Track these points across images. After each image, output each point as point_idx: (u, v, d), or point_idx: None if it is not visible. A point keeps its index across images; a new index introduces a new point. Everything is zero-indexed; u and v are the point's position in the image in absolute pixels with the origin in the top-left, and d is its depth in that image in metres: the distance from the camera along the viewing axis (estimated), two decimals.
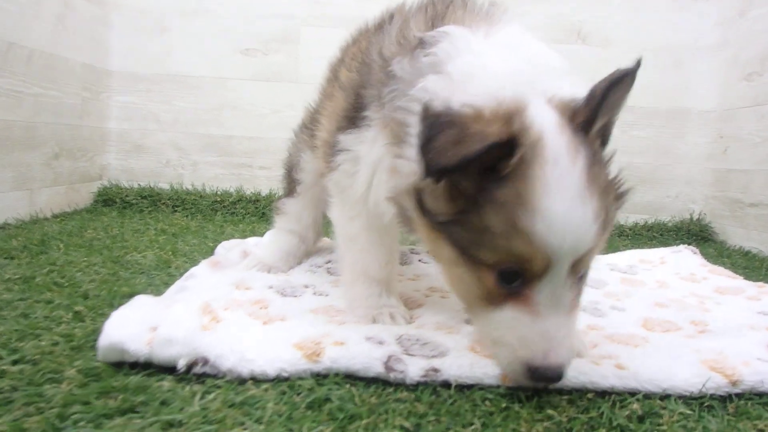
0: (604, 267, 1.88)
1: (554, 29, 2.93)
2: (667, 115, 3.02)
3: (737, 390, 0.97)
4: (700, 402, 0.94)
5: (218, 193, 2.92)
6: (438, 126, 0.82)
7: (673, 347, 1.08)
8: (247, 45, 2.99)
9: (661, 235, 2.91)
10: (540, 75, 0.94)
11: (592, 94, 0.87)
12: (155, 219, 2.53)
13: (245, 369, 0.94)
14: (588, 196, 0.81)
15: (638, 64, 0.86)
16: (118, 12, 2.92)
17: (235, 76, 3.00)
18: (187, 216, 2.69)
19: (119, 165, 2.98)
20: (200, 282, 1.35)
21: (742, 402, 0.95)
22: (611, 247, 2.49)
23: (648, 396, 0.94)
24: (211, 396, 0.87)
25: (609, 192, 0.88)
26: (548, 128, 0.84)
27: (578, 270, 0.86)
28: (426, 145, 0.82)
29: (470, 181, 0.85)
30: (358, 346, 0.99)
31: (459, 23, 1.05)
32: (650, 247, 2.58)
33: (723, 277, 1.77)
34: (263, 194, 2.92)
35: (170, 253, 1.83)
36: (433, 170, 0.82)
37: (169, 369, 0.94)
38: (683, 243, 2.73)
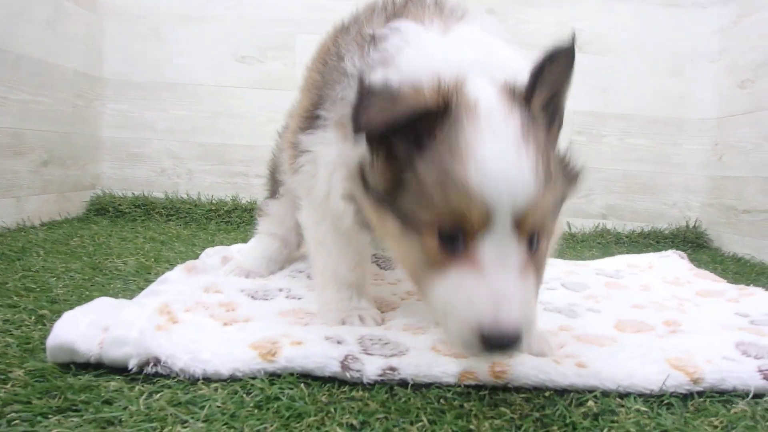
0: (590, 272, 1.86)
1: (552, 38, 2.92)
2: (665, 123, 3.00)
3: (699, 388, 0.95)
4: (660, 400, 0.92)
5: (213, 201, 2.92)
6: (371, 93, 0.82)
7: (639, 346, 1.06)
8: (244, 52, 3.01)
9: (657, 242, 2.88)
10: (487, 62, 0.93)
11: (532, 69, 0.86)
12: (147, 228, 2.53)
13: (198, 369, 0.93)
14: (523, 145, 0.80)
15: (573, 40, 0.84)
16: (113, 18, 2.93)
17: (231, 84, 3.01)
18: (180, 225, 2.70)
19: (113, 173, 3.00)
20: (172, 286, 1.35)
21: (702, 399, 0.93)
22: (605, 254, 2.47)
23: (606, 394, 0.93)
24: (158, 395, 0.86)
25: (549, 153, 0.86)
26: (484, 95, 0.85)
27: (525, 229, 0.81)
28: (358, 108, 0.82)
29: (404, 144, 0.84)
30: (315, 346, 0.98)
31: (415, 20, 1.05)
32: (651, 248, 2.58)
33: (707, 281, 1.74)
34: (259, 202, 2.92)
35: (153, 259, 1.83)
36: (363, 128, 0.83)
37: (120, 370, 0.93)
38: (680, 249, 2.71)
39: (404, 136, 0.84)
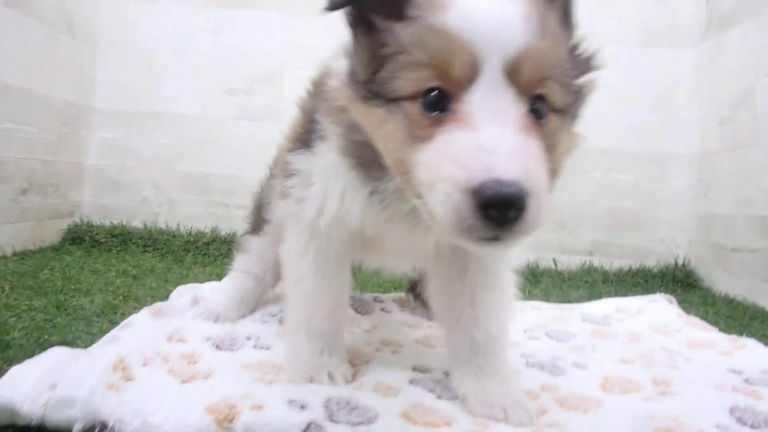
0: (577, 317, 1.79)
1: None
2: (649, 158, 2.98)
3: None
4: None
5: (192, 233, 2.85)
6: None
7: (626, 412, 0.99)
8: (232, 84, 3.00)
9: (645, 281, 2.82)
10: None
11: None
12: (121, 259, 2.45)
13: None
14: None
15: None
16: (107, 49, 2.94)
17: (218, 115, 2.99)
18: (156, 257, 2.62)
19: (93, 202, 2.93)
20: (134, 332, 1.27)
21: None
22: (592, 295, 2.42)
23: None
24: None
25: (551, 14, 0.77)
26: None
27: (521, 80, 0.71)
28: None
29: (382, 15, 0.78)
30: (276, 410, 0.91)
31: None
32: (634, 294, 2.52)
33: (697, 329, 1.68)
34: (239, 234, 2.86)
35: (121, 297, 1.76)
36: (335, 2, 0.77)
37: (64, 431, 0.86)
38: (669, 290, 2.66)
39: (382, 7, 0.78)
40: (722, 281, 2.65)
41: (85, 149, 2.90)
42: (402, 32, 0.75)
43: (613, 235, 3.00)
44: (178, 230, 2.86)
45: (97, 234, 2.73)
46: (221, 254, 2.74)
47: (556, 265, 2.91)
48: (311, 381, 1.08)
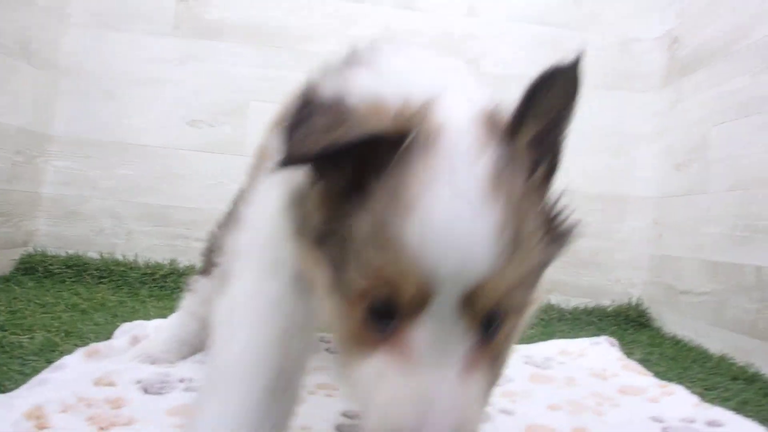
0: (519, 360, 1.83)
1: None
2: (609, 199, 3.06)
3: None
4: None
5: (150, 264, 2.84)
6: (312, 110, 0.65)
7: None
8: (195, 116, 3.01)
9: (600, 320, 2.87)
10: (470, 84, 0.83)
11: (520, 98, 0.68)
12: (73, 291, 2.43)
13: None
14: (488, 200, 0.62)
15: (579, 57, 0.66)
16: (67, 76, 2.92)
17: (179, 146, 2.99)
18: (111, 288, 2.60)
19: (49, 231, 2.90)
20: (64, 375, 1.27)
21: None
22: (545, 333, 2.46)
23: None
24: None
25: (528, 207, 0.67)
26: (455, 120, 0.68)
27: (477, 310, 0.64)
28: (291, 130, 0.64)
29: (346, 176, 0.67)
30: None
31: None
32: (588, 333, 2.57)
33: (633, 374, 1.73)
34: (197, 267, 2.85)
35: (63, 334, 1.74)
36: (293, 158, 0.63)
37: None
38: (621, 329, 2.74)
39: (348, 166, 0.67)
40: (672, 322, 2.72)
41: (41, 178, 2.88)
42: (358, 216, 0.66)
43: (571, 274, 3.05)
44: (135, 262, 2.84)
45: (50, 264, 2.69)
46: (178, 287, 2.70)
47: None
48: None
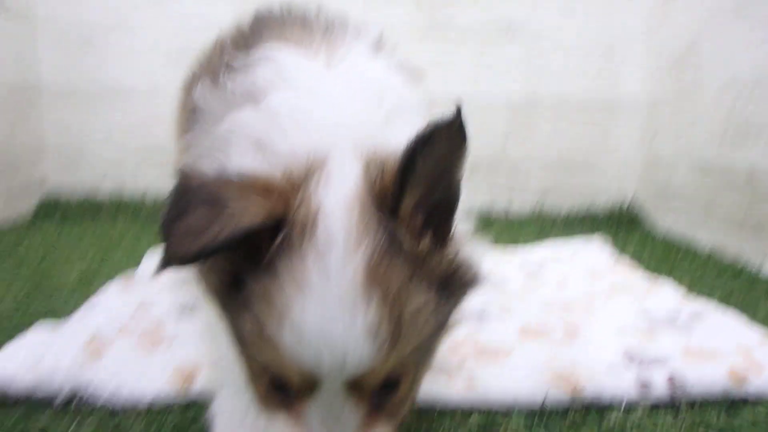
0: (516, 264, 1.97)
1: (485, 29, 3.00)
2: (599, 105, 3.10)
3: (578, 402, 1.05)
4: (542, 414, 1.03)
5: (157, 201, 2.95)
6: (186, 203, 0.63)
7: (531, 360, 1.17)
8: (177, 56, 2.99)
9: (592, 223, 3.00)
10: (375, 120, 0.78)
11: (401, 156, 0.65)
12: (92, 231, 2.57)
13: (122, 397, 1.01)
14: (363, 301, 0.62)
15: (458, 112, 0.62)
16: (45, 27, 2.93)
17: (165, 88, 3.00)
18: (126, 224, 2.74)
19: (59, 177, 3.00)
20: (106, 305, 1.41)
21: (580, 413, 1.03)
22: (539, 238, 2.60)
23: (492, 410, 1.03)
24: (88, 422, 0.95)
25: (410, 293, 0.66)
26: (331, 204, 0.66)
27: (365, 388, 0.66)
28: (168, 226, 0.63)
29: (226, 268, 0.69)
30: None
31: (296, 43, 0.88)
32: (582, 234, 2.71)
33: (624, 272, 1.87)
34: None
35: (95, 270, 1.89)
36: (171, 260, 0.61)
37: (49, 402, 1.01)
38: (613, 231, 2.87)
39: (229, 257, 0.68)
40: (663, 222, 2.85)
41: (42, 130, 2.94)
42: (239, 307, 0.68)
43: (564, 179, 3.15)
44: (143, 199, 2.97)
45: (66, 208, 2.84)
46: None
47: (507, 210, 3.07)
48: None
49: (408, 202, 0.67)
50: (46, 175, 2.99)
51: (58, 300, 1.55)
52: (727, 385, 1.09)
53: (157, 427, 0.95)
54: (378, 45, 0.94)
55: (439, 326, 0.73)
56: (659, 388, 1.08)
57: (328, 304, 0.61)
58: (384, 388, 0.68)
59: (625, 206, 3.09)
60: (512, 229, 2.84)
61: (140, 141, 3.02)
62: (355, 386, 0.65)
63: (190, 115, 1.00)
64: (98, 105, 2.99)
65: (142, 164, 3.04)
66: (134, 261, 1.97)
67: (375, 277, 0.63)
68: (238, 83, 0.85)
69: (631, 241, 2.59)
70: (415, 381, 0.75)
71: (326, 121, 0.76)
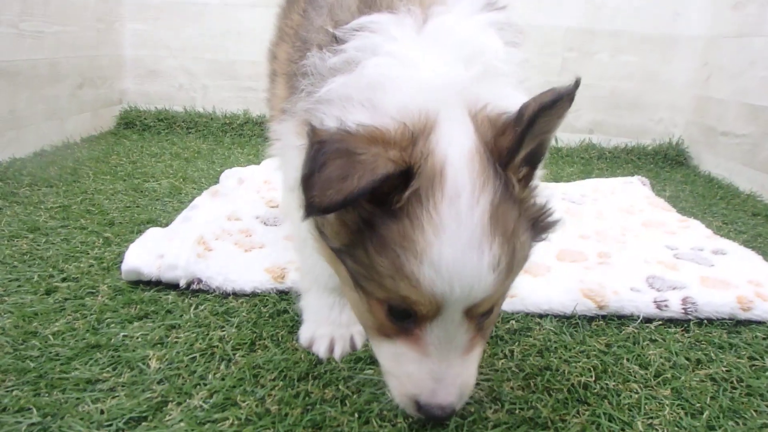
0: (557, 196, 2.13)
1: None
2: (656, 40, 3.08)
3: (603, 313, 1.26)
4: (570, 321, 1.24)
5: (227, 115, 3.18)
6: (323, 156, 0.69)
7: (564, 277, 1.36)
8: None
9: (638, 158, 3.07)
10: (472, 80, 0.83)
11: (519, 117, 0.75)
12: (170, 142, 2.83)
13: (229, 287, 1.27)
14: (487, 241, 0.73)
15: (576, 85, 0.73)
16: None
17: (236, 3, 3.14)
18: (199, 138, 2.99)
19: (136, 89, 3.24)
20: (201, 213, 1.67)
21: (603, 322, 1.24)
22: (585, 171, 2.73)
23: (529, 315, 1.25)
24: (202, 307, 1.20)
25: (519, 232, 0.78)
26: (455, 156, 0.75)
27: (477, 314, 0.79)
28: (308, 179, 0.69)
29: (357, 214, 0.77)
30: None
31: (389, 8, 0.90)
32: (626, 170, 2.82)
33: (657, 210, 2.01)
34: (268, 115, 3.16)
35: (181, 180, 2.15)
36: (316, 210, 0.69)
37: (173, 286, 1.28)
38: (658, 167, 2.96)
39: (358, 203, 0.76)
40: (708, 162, 2.90)
41: (121, 41, 3.15)
42: (376, 248, 0.75)
43: (614, 114, 3.20)
44: (214, 113, 3.19)
45: (145, 119, 3.09)
46: (254, 134, 3.08)
47: (556, 142, 3.16)
48: (310, 346, 1.09)
49: (520, 156, 0.77)
50: (127, 86, 3.23)
51: (157, 208, 1.81)
52: (733, 309, 1.27)
53: (257, 312, 1.20)
54: (486, 4, 0.95)
55: (526, 261, 0.85)
56: (674, 307, 1.27)
57: (461, 244, 0.72)
58: (482, 317, 0.81)
59: (673, 143, 3.13)
60: (558, 162, 2.94)
61: (211, 56, 3.21)
62: (470, 312, 0.77)
63: (288, 80, 1.09)
64: (172, 18, 3.16)
65: (213, 80, 3.24)
66: (212, 175, 2.22)
67: (496, 219, 0.74)
68: (335, 52, 0.89)
69: (674, 179, 2.69)
70: (498, 310, 0.90)
71: (420, 83, 0.81)
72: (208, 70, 3.23)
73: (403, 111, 0.77)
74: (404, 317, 0.79)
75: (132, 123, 3.08)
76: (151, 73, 3.23)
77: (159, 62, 3.22)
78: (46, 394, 0.90)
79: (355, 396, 0.95)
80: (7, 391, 0.90)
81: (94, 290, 1.24)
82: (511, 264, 0.77)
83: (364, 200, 0.74)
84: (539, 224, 0.84)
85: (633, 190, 2.24)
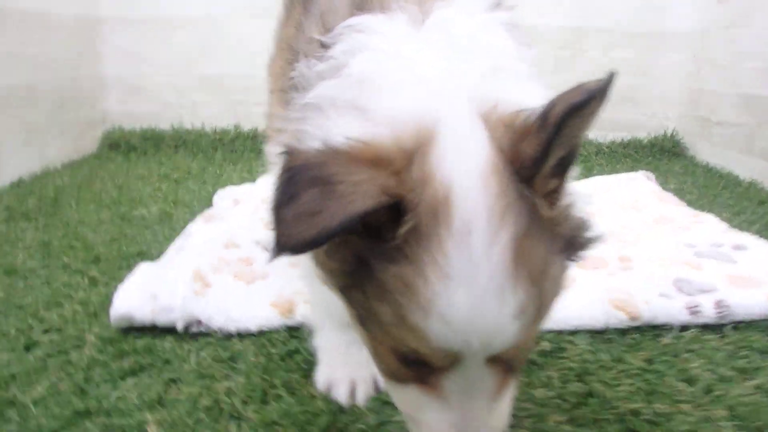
0: None
1: None
2: (646, 35, 3.08)
3: (636, 324, 1.19)
4: (603, 336, 1.16)
5: (217, 131, 3.06)
6: (295, 185, 0.57)
7: (590, 287, 1.28)
8: None
9: (636, 152, 3.03)
10: (482, 77, 0.70)
11: (543, 120, 0.60)
12: (158, 162, 2.71)
13: (232, 326, 1.16)
14: (509, 287, 0.59)
15: (610, 79, 0.60)
16: None
17: (224, 14, 3.05)
18: (189, 156, 2.87)
19: (120, 109, 3.11)
20: (195, 241, 1.56)
21: (637, 334, 1.17)
22: (584, 167, 2.66)
23: (560, 332, 1.16)
24: (204, 353, 1.10)
25: (549, 268, 0.63)
26: (464, 177, 0.60)
27: (504, 361, 0.66)
28: (277, 212, 0.57)
29: (350, 251, 0.64)
30: None
31: (381, 8, 0.80)
32: (625, 164, 2.76)
33: (668, 205, 1.93)
34: (260, 129, 3.05)
35: (171, 204, 2.03)
36: (283, 249, 0.56)
37: (169, 329, 1.16)
38: (656, 159, 2.92)
39: (350, 240, 0.64)
40: (705, 152, 2.89)
41: (102, 59, 3.03)
42: (374, 292, 0.63)
43: (608, 110, 3.09)
44: (203, 129, 3.08)
45: (130, 139, 2.97)
46: (246, 149, 2.97)
47: None
48: (329, 390, 0.99)
49: (547, 167, 0.62)
50: (110, 106, 3.10)
51: (146, 237, 1.70)
52: (766, 309, 1.22)
53: (266, 353, 1.10)
54: (493, 3, 0.86)
55: (560, 293, 0.70)
56: (707, 311, 1.21)
57: (476, 290, 0.58)
58: (513, 361, 0.69)
59: (669, 135, 3.10)
60: None
61: (199, 70, 3.10)
62: (494, 360, 0.64)
63: (281, 96, 1.00)
64: (156, 32, 3.05)
65: (201, 95, 3.13)
66: (205, 197, 2.11)
67: (521, 256, 0.59)
68: (321, 58, 0.79)
69: (674, 172, 2.65)
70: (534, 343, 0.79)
71: (417, 80, 0.69)
72: (196, 84, 3.12)
73: (398, 116, 0.64)
74: (417, 364, 0.66)
75: (116, 144, 2.95)
76: (135, 91, 3.11)
77: (143, 79, 3.10)
78: None
79: None
80: None
81: (80, 342, 1.13)
82: (541, 308, 0.63)
83: (354, 236, 0.62)
84: (575, 243, 0.68)
85: (638, 186, 2.16)
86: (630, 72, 3.09)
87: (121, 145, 2.94)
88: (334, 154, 0.60)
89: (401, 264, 0.59)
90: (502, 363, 0.66)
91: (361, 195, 0.55)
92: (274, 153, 0.93)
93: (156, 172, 2.51)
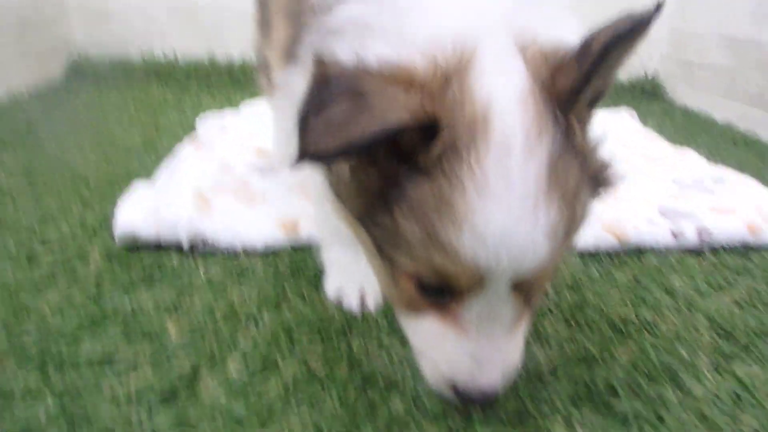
0: None
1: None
2: None
3: (624, 248, 1.25)
4: (593, 256, 1.22)
5: (191, 63, 2.95)
6: (328, 95, 0.56)
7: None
8: None
9: (616, 93, 3.02)
10: (516, 9, 0.68)
11: (585, 49, 0.60)
12: (131, 91, 2.61)
13: (238, 244, 1.17)
14: (543, 203, 0.59)
15: (658, 9, 0.58)
16: None
17: None
18: (162, 86, 2.77)
19: (84, 36, 2.96)
20: (188, 165, 1.52)
21: (624, 256, 1.23)
22: None
23: None
24: (212, 268, 1.10)
25: (580, 192, 0.64)
26: (502, 98, 0.60)
27: (526, 289, 0.66)
28: (305, 120, 0.56)
29: (377, 170, 0.64)
30: None
31: None
32: (606, 104, 2.78)
33: (652, 142, 1.99)
34: (235, 60, 2.95)
35: (154, 129, 1.98)
36: (307, 156, 0.55)
37: (176, 247, 1.16)
38: (635, 100, 2.93)
39: (377, 156, 0.63)
40: (685, 95, 2.91)
41: None
42: (403, 212, 0.62)
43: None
44: (176, 60, 2.96)
45: (98, 68, 2.84)
46: (223, 83, 2.88)
47: None
48: (338, 301, 1.01)
49: (584, 97, 0.62)
50: (73, 33, 2.94)
51: (133, 164, 1.65)
52: (744, 236, 1.30)
53: (275, 268, 1.11)
54: None
55: (584, 223, 0.69)
56: (690, 236, 1.28)
57: (511, 208, 0.58)
58: (531, 292, 0.68)
59: (648, 79, 3.12)
60: None
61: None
62: (519, 286, 0.64)
63: (290, 19, 0.96)
64: None
65: (173, 23, 2.99)
66: (187, 123, 2.06)
67: (555, 176, 0.60)
68: None
69: (653, 112, 2.68)
70: (548, 284, 0.78)
71: (455, 5, 0.67)
72: (166, 12, 2.97)
73: (435, 42, 0.62)
74: (437, 292, 0.66)
75: (83, 73, 2.82)
76: (101, 17, 2.95)
77: (109, 3, 2.94)
78: (57, 375, 0.80)
79: (401, 346, 0.88)
80: (11, 376, 0.79)
81: (83, 256, 1.11)
82: (570, 230, 0.63)
83: (384, 155, 0.62)
84: (600, 179, 0.69)
85: (622, 122, 2.21)
86: (611, 8, 3.04)
87: (89, 74, 2.81)
88: (369, 72, 0.59)
89: (437, 179, 0.59)
90: (523, 293, 0.66)
91: (396, 110, 0.55)
92: (281, 77, 0.97)
93: (130, 100, 2.42)
